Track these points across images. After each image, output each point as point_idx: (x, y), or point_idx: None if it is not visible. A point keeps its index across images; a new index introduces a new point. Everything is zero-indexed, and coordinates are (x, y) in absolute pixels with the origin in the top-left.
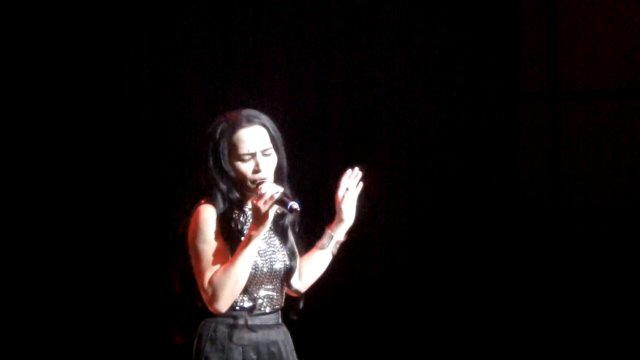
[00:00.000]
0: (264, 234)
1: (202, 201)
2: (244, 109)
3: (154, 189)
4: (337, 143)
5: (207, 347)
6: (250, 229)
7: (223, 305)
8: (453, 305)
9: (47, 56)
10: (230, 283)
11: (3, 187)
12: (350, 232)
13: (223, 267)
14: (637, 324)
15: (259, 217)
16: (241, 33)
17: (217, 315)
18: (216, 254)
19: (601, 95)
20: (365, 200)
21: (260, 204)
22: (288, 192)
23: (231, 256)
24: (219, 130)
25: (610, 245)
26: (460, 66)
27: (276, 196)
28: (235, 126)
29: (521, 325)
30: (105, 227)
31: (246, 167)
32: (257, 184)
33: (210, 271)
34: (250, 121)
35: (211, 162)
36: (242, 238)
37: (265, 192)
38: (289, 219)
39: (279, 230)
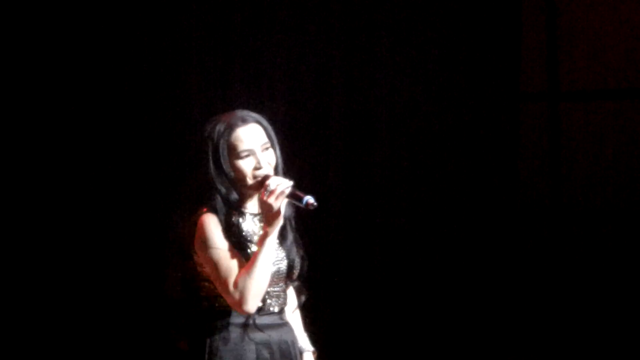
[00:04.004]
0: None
1: (204, 210)
2: (236, 110)
3: (154, 189)
4: (337, 143)
5: (221, 347)
6: (263, 227)
7: (253, 306)
8: (453, 305)
9: (47, 56)
10: (255, 283)
11: (2, 188)
12: (350, 236)
13: (245, 269)
14: (637, 324)
15: (271, 214)
16: (241, 33)
17: (227, 316)
18: (232, 257)
19: (601, 95)
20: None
21: (272, 199)
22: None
23: (244, 259)
24: (216, 132)
25: (610, 245)
26: (460, 66)
27: (287, 191)
28: (232, 126)
29: (521, 325)
30: (104, 228)
31: (247, 165)
32: (263, 179)
33: (232, 275)
34: (245, 120)
35: (211, 164)
36: (248, 242)
37: (275, 187)
38: (286, 213)
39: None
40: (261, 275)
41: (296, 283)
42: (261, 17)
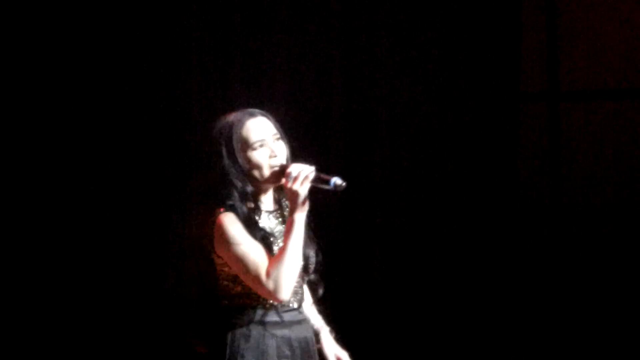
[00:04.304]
0: (280, 232)
1: (221, 209)
2: (241, 109)
3: (154, 189)
4: (337, 143)
5: (242, 344)
6: (290, 215)
7: (287, 293)
8: (453, 306)
9: (47, 56)
10: (288, 270)
11: (3, 188)
12: (350, 236)
13: (275, 258)
14: (637, 324)
15: (298, 201)
16: (241, 33)
17: (248, 314)
18: (258, 250)
19: (601, 95)
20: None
21: (297, 186)
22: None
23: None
24: (226, 129)
25: (610, 245)
26: (460, 66)
27: (311, 176)
28: (241, 120)
29: (521, 325)
30: (104, 228)
31: (261, 155)
32: (280, 169)
33: (262, 267)
34: (252, 114)
35: (225, 160)
36: (269, 236)
37: (298, 174)
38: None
39: (276, 236)
40: (293, 261)
41: (312, 277)
42: (261, 17)
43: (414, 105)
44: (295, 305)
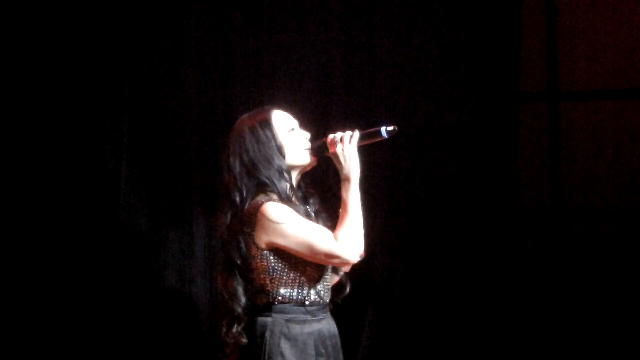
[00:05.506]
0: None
1: (259, 202)
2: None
3: (154, 189)
4: None
5: (283, 343)
6: (344, 178)
7: (357, 254)
8: (453, 306)
9: (47, 56)
10: (356, 229)
11: (3, 188)
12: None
13: (340, 222)
14: (637, 324)
15: (351, 161)
16: (241, 33)
17: (286, 312)
18: (312, 223)
19: (601, 95)
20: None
21: (347, 146)
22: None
23: None
24: (258, 115)
25: (610, 245)
26: (460, 66)
27: (356, 134)
28: (267, 110)
29: (521, 325)
30: (104, 228)
31: (297, 136)
32: (321, 143)
33: (327, 234)
34: (272, 107)
35: (264, 140)
36: (309, 214)
37: (342, 136)
38: (314, 204)
39: (314, 217)
40: (359, 220)
41: (341, 273)
42: (261, 17)
43: (414, 105)
44: (327, 301)
